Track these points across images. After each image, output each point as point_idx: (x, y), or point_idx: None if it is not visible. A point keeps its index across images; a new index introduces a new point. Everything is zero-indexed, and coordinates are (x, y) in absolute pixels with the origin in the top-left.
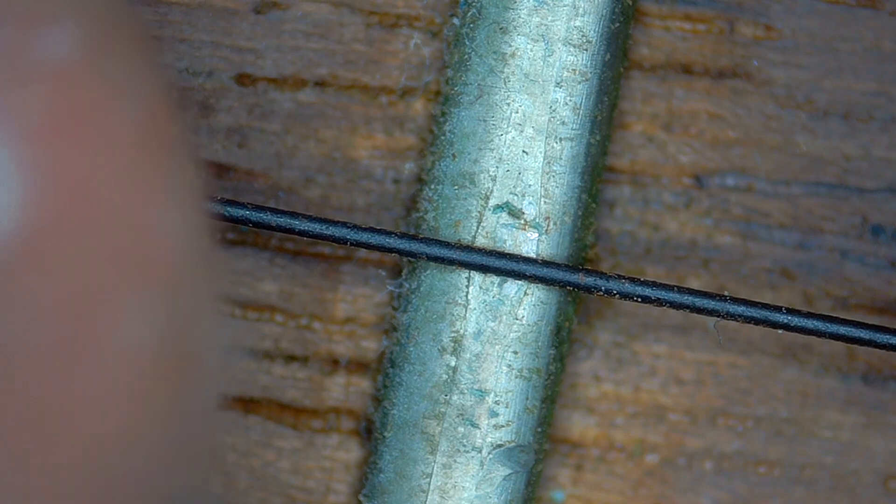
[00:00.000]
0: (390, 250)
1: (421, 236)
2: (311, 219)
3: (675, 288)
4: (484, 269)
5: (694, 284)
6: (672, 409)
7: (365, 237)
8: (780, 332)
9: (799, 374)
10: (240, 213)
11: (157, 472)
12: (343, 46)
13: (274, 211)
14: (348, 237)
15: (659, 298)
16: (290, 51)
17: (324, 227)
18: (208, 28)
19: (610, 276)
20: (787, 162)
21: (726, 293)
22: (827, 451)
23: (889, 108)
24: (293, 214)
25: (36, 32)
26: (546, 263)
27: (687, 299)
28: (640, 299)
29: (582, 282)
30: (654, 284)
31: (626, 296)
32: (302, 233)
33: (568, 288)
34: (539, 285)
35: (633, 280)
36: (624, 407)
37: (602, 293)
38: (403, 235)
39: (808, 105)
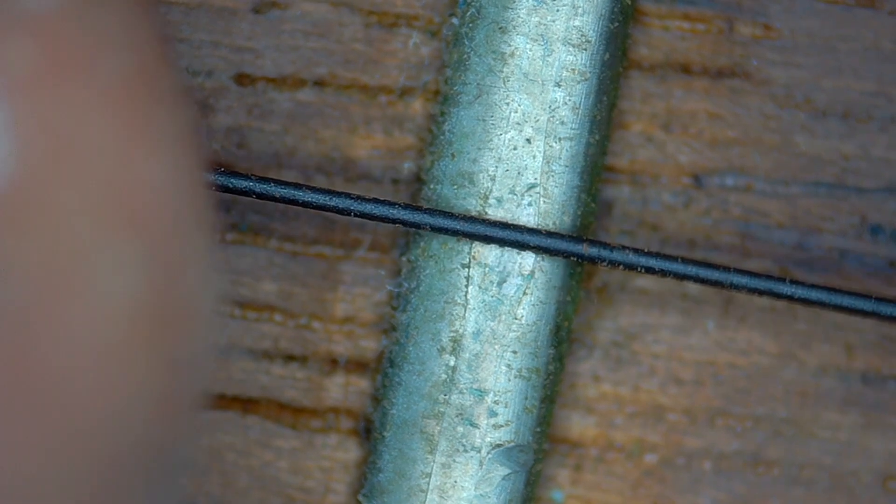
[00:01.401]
0: (394, 221)
1: (424, 207)
2: (314, 190)
3: (679, 259)
4: (487, 240)
5: (693, 284)
6: (671, 409)
7: (368, 208)
8: (778, 331)
9: (798, 374)
10: (244, 184)
11: (145, 427)
12: (342, 46)
13: (278, 182)
14: (352, 208)
15: (663, 269)
16: (290, 50)
17: (328, 199)
18: (207, 28)
19: (614, 247)
20: (786, 162)
21: (731, 268)
22: (826, 452)
23: (888, 108)
24: (297, 186)
25: None
26: (550, 234)
27: (691, 271)
28: (643, 270)
29: (586, 252)
30: (658, 255)
31: (630, 266)
32: (305, 204)
33: (572, 258)
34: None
35: (637, 251)
36: (623, 407)
37: (606, 264)
38: (407, 206)
39: (807, 105)
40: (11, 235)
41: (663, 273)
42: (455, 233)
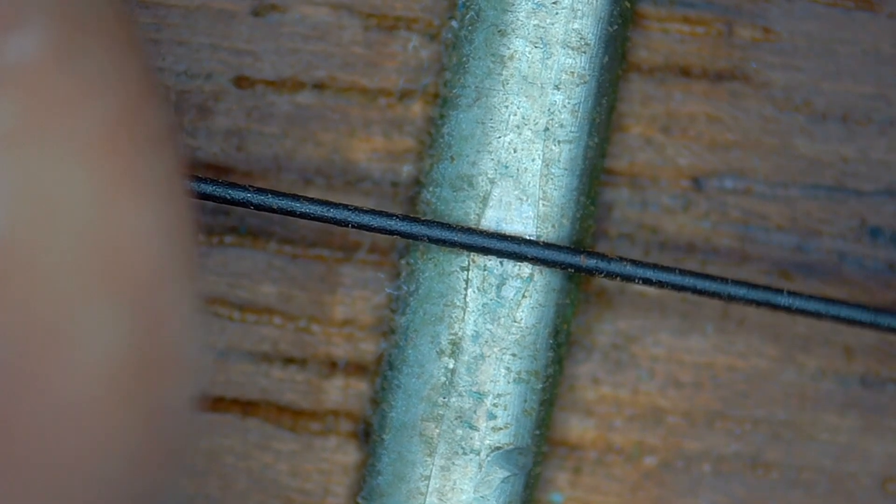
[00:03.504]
0: (391, 232)
1: (423, 218)
2: (312, 201)
3: (677, 270)
4: (485, 252)
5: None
6: (670, 412)
7: (366, 220)
8: (777, 334)
9: (797, 376)
10: (241, 195)
11: (131, 478)
12: (341, 49)
13: (275, 194)
14: (350, 219)
15: (660, 281)
16: (289, 53)
17: (325, 210)
18: (207, 31)
19: (611, 259)
20: (786, 164)
21: (729, 279)
22: (825, 454)
23: (887, 111)
24: (295, 197)
25: (1, 37)
26: (548, 246)
27: (688, 282)
28: (641, 282)
29: (583, 264)
30: (655, 267)
31: (627, 278)
32: (303, 215)
33: (570, 270)
34: (541, 271)
35: (634, 262)
36: (622, 409)
37: (604, 275)
38: (405, 218)
39: (807, 108)
40: None
41: (661, 284)
42: (452, 244)
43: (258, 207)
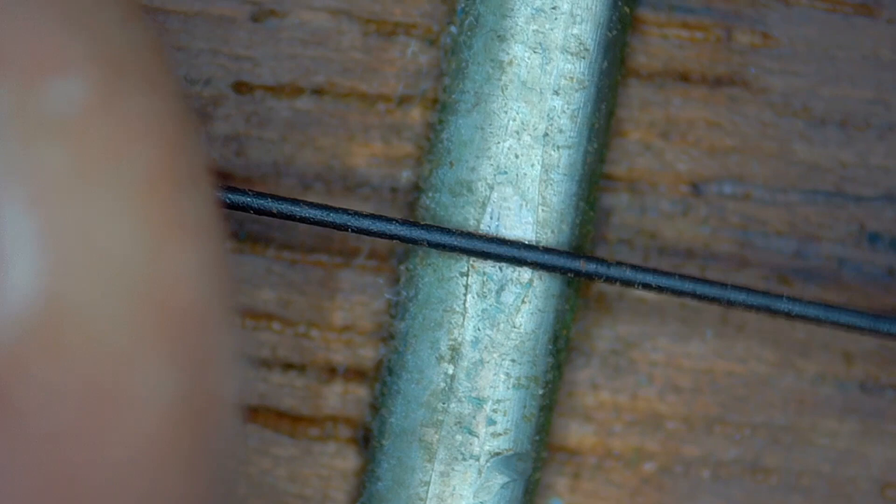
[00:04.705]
0: (391, 237)
1: (422, 223)
2: (312, 205)
3: (677, 276)
4: (485, 256)
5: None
6: (669, 417)
7: (366, 224)
8: (776, 339)
9: (796, 381)
10: (241, 199)
11: None
12: (340, 54)
13: (275, 198)
14: (349, 224)
15: (660, 286)
16: (288, 59)
17: (325, 214)
18: (206, 36)
19: (611, 264)
20: (785, 170)
21: (728, 284)
22: (824, 459)
23: (886, 116)
24: (294, 201)
25: (45, 85)
26: (547, 250)
27: (688, 287)
28: (641, 286)
29: (583, 269)
30: (655, 272)
31: (627, 283)
32: (303, 219)
33: (569, 275)
34: (540, 276)
35: (634, 267)
36: (621, 415)
37: (603, 280)
38: (405, 222)
39: (806, 113)
40: (50, 358)
41: (660, 289)
42: (452, 248)
43: (258, 212)
